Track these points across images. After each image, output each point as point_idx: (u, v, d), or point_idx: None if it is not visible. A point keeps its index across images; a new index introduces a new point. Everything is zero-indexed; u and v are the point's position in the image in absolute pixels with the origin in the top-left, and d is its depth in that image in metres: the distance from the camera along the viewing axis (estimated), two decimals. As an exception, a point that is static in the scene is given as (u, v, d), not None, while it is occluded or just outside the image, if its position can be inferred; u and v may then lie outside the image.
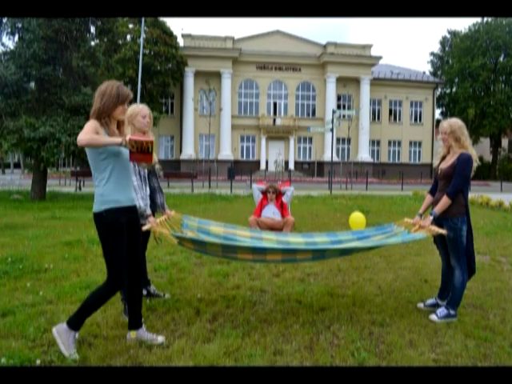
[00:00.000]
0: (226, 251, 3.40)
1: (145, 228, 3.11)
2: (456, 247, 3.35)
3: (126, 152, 2.56)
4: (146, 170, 3.34)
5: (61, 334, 2.61)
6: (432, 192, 3.62)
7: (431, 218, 3.38)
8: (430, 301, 3.67)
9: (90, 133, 2.43)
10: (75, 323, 2.66)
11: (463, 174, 3.29)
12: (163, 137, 34.61)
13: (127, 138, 2.37)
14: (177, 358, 2.62)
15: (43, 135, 10.97)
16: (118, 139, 2.42)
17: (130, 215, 2.71)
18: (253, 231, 3.92)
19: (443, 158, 3.52)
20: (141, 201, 3.16)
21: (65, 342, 2.59)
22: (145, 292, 3.73)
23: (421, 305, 3.67)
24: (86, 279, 4.17)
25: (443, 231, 3.30)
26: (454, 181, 3.29)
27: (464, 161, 3.29)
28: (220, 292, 3.94)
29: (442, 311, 3.37)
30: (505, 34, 36.20)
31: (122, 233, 2.64)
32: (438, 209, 3.34)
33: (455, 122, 3.39)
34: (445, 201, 3.31)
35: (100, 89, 2.62)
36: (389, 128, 36.78)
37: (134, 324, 2.86)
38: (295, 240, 3.77)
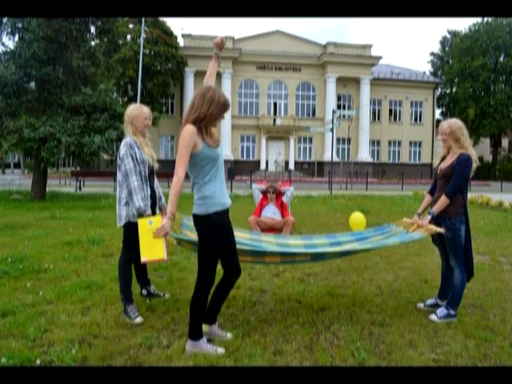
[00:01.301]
0: None
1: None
2: (455, 247, 3.35)
3: (221, 156, 2.73)
4: (147, 170, 3.34)
5: (196, 348, 2.70)
6: (431, 192, 3.62)
7: (429, 217, 3.38)
8: (429, 301, 3.67)
9: (184, 162, 2.54)
10: (196, 332, 2.74)
11: (462, 174, 3.28)
12: (163, 137, 34.61)
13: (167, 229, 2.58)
14: (177, 358, 2.62)
15: (43, 135, 10.96)
16: (168, 217, 2.58)
17: (227, 217, 2.80)
18: (252, 233, 3.91)
19: (443, 159, 3.52)
20: (141, 201, 3.16)
21: (206, 351, 2.69)
22: (145, 292, 3.73)
23: (421, 305, 3.67)
24: (86, 279, 4.17)
25: (441, 230, 3.29)
26: (453, 180, 3.29)
27: (463, 161, 3.28)
28: (220, 292, 3.93)
29: (441, 311, 3.37)
30: (505, 33, 36.17)
31: (224, 234, 2.74)
32: (437, 208, 3.34)
33: (455, 122, 3.39)
34: (443, 200, 3.31)
35: (206, 95, 2.61)
36: (389, 128, 36.77)
37: (211, 319, 2.93)
38: (294, 242, 3.77)
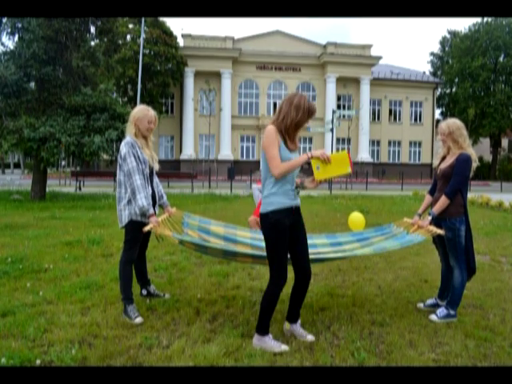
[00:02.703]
0: (226, 255, 3.41)
1: (146, 228, 3.11)
2: (454, 247, 3.35)
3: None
4: (148, 170, 3.35)
5: (261, 343, 2.80)
6: (431, 192, 3.62)
7: (430, 218, 3.38)
8: (429, 301, 3.67)
9: (277, 158, 2.63)
10: (263, 328, 2.82)
11: (461, 174, 3.28)
12: (163, 137, 34.61)
13: (313, 154, 2.69)
14: (177, 357, 2.62)
15: (43, 135, 10.96)
16: (304, 157, 2.69)
17: (294, 217, 2.82)
18: (253, 232, 3.91)
19: (443, 159, 3.52)
20: (144, 200, 3.15)
21: (270, 346, 2.77)
22: (145, 292, 3.73)
23: (421, 305, 3.67)
24: (86, 279, 4.17)
25: (441, 232, 3.29)
26: (453, 181, 3.29)
27: (462, 161, 3.28)
28: (220, 292, 3.94)
29: (441, 311, 3.37)
30: (505, 33, 36.18)
31: (284, 232, 2.74)
32: (437, 209, 3.33)
33: (453, 122, 3.38)
34: (443, 201, 3.31)
35: (294, 101, 2.69)
36: (389, 128, 36.76)
37: (294, 317, 3.00)
38: None
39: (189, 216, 3.76)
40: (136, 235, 3.31)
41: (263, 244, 3.49)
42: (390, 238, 3.54)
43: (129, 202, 3.25)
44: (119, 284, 3.39)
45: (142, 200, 3.13)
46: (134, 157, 3.20)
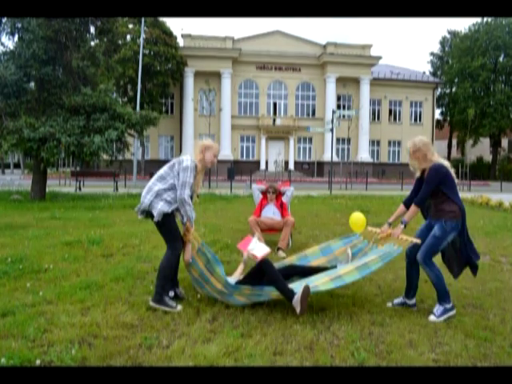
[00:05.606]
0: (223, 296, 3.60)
1: (187, 251, 3.55)
2: (432, 244, 3.38)
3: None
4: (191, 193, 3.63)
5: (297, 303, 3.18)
6: (406, 203, 3.64)
7: (402, 226, 3.48)
8: (397, 300, 3.72)
9: None
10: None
11: (430, 183, 3.38)
12: (163, 137, 34.62)
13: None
14: (177, 357, 2.62)
15: (43, 135, 10.95)
16: None
17: None
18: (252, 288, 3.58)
19: (423, 172, 3.58)
20: (192, 212, 3.56)
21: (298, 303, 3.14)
22: (172, 293, 3.68)
23: (389, 304, 3.69)
24: (86, 279, 4.17)
25: (417, 240, 3.37)
26: (422, 189, 3.41)
27: (432, 170, 3.40)
28: (220, 292, 3.93)
29: (438, 309, 3.40)
30: (505, 34, 36.16)
31: None
32: (408, 216, 3.46)
33: (420, 140, 3.52)
34: (413, 209, 3.44)
35: None
36: (389, 128, 36.76)
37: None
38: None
39: (204, 245, 3.87)
40: (173, 225, 3.55)
41: (259, 295, 3.51)
42: (369, 256, 3.53)
43: (165, 199, 3.47)
44: (159, 275, 3.50)
45: (192, 212, 3.56)
46: (194, 176, 3.52)
